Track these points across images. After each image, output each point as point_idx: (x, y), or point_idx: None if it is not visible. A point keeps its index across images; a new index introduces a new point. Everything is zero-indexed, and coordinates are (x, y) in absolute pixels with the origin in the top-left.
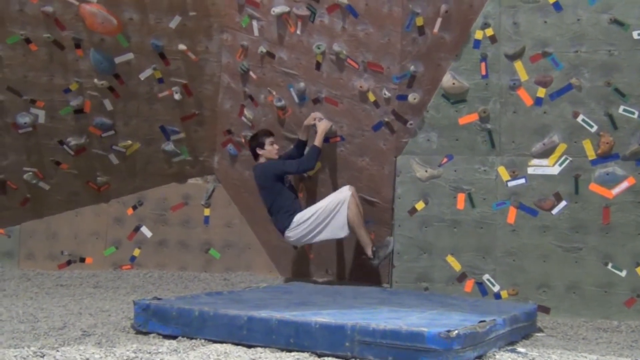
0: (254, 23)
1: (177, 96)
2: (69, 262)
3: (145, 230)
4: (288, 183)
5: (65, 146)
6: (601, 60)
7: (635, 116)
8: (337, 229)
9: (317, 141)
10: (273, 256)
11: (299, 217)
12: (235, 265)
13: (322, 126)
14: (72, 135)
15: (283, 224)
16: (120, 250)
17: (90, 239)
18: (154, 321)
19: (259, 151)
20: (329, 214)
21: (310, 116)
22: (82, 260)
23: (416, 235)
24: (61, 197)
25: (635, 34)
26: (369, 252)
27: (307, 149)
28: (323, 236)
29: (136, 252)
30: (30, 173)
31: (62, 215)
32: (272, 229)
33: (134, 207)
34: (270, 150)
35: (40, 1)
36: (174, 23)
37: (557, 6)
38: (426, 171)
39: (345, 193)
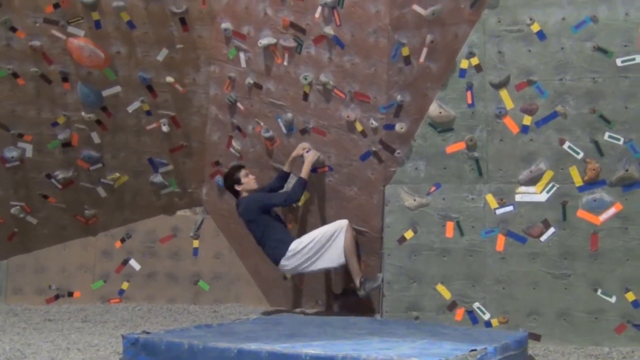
0: (241, 55)
1: (165, 128)
2: (57, 297)
3: (134, 263)
4: (274, 213)
5: (53, 180)
6: (586, 88)
7: (621, 142)
8: (334, 258)
9: (304, 173)
10: (263, 287)
11: (295, 245)
12: (224, 296)
13: (310, 157)
14: (60, 168)
15: (279, 254)
16: (108, 283)
17: (79, 273)
18: (143, 355)
19: (238, 187)
20: (326, 242)
21: (298, 147)
22: (70, 294)
23: (406, 264)
24: (49, 230)
25: (618, 62)
26: (357, 282)
27: (291, 181)
28: (319, 265)
29: (125, 285)
30: (18, 207)
31: (50, 249)
32: (262, 259)
33: (122, 240)
34: (247, 182)
35: (27, 36)
36: (161, 56)
37: (540, 35)
38: (414, 200)
39: (341, 222)
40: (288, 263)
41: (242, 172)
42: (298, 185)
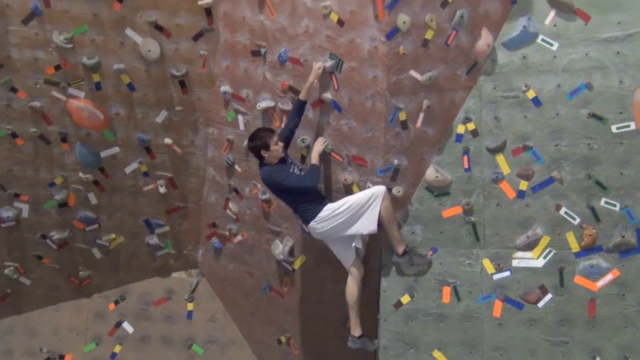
0: (240, 117)
1: (162, 189)
2: None
3: (127, 326)
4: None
5: (48, 240)
6: (581, 154)
7: (617, 208)
8: (367, 224)
9: (314, 159)
10: (257, 351)
11: (331, 206)
12: None
13: (317, 148)
14: (56, 229)
15: (313, 212)
16: (100, 346)
17: (71, 335)
18: None
19: (265, 153)
20: (361, 208)
21: (315, 66)
22: (62, 357)
23: (402, 329)
24: (42, 292)
25: (613, 128)
26: (400, 250)
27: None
28: (351, 230)
29: (117, 348)
30: (12, 268)
31: (42, 310)
32: (256, 322)
33: (116, 302)
34: (275, 149)
35: (28, 96)
36: (160, 118)
37: (536, 101)
38: (411, 264)
39: (380, 188)
40: (319, 226)
41: (273, 140)
42: (313, 172)
